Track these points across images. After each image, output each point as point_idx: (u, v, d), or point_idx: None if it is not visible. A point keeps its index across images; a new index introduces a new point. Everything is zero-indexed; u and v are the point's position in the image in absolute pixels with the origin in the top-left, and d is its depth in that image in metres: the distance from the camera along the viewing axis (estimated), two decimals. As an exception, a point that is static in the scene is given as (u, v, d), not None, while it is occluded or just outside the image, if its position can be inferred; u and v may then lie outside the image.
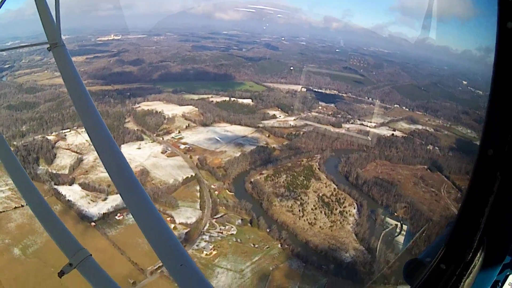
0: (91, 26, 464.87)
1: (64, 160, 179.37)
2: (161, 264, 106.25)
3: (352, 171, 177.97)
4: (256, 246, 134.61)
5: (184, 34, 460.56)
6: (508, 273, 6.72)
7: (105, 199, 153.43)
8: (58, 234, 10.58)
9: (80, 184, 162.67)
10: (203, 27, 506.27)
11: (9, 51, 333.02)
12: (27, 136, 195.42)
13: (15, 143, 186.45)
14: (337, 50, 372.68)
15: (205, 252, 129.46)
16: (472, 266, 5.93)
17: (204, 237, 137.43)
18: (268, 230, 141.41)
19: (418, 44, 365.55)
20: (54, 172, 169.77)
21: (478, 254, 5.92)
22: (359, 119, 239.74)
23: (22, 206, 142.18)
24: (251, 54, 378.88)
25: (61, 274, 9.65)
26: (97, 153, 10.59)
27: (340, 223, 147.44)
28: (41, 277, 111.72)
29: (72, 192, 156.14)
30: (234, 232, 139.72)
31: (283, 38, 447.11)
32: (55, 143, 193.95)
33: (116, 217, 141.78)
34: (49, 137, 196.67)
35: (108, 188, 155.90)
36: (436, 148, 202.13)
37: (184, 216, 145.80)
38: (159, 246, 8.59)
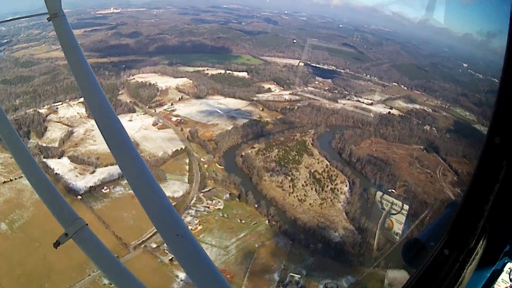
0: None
1: (54, 133, 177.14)
2: (144, 239, 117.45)
3: (345, 148, 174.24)
4: (243, 222, 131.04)
5: (183, 7, 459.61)
6: (506, 261, 6.53)
7: (93, 172, 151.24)
8: (54, 203, 9.56)
9: (69, 157, 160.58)
10: (203, 1, 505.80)
11: (9, 26, 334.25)
12: (20, 110, 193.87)
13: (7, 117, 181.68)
14: (340, 26, 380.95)
15: (190, 227, 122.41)
16: (475, 253, 5.90)
17: (190, 211, 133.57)
18: (256, 206, 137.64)
19: (420, 25, 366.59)
20: (44, 145, 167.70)
21: (481, 242, 5.88)
22: (355, 96, 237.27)
23: (11, 180, 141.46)
24: (250, 28, 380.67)
25: (56, 244, 8.66)
26: (96, 123, 9.79)
27: (331, 200, 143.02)
28: (26, 251, 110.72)
29: (61, 165, 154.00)
30: (221, 207, 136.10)
31: (286, 12, 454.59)
32: (46, 116, 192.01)
33: (103, 190, 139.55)
34: (40, 111, 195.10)
35: (97, 161, 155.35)
36: (434, 128, 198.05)
37: (171, 189, 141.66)
38: (155, 215, 8.05)
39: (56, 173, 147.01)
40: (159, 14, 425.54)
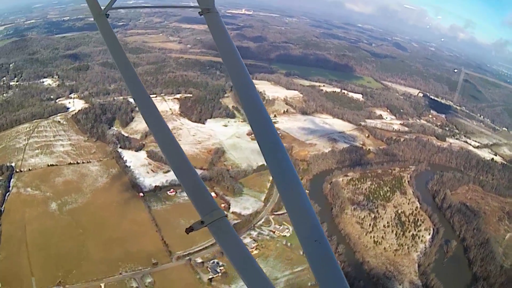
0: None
1: (140, 125, 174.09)
2: (192, 251, 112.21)
3: (440, 192, 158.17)
4: None
5: (317, 20, 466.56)
6: None
7: (168, 171, 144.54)
8: (195, 190, 9.62)
9: (147, 152, 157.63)
10: (339, 17, 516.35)
11: (129, 10, 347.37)
12: (110, 95, 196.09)
13: (92, 99, 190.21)
14: (461, 63, 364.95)
15: None
16: None
17: (252, 232, 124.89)
18: (329, 239, 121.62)
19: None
20: (126, 135, 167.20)
21: None
22: (465, 136, 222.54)
23: (77, 163, 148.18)
24: (378, 50, 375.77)
25: (189, 230, 8.91)
26: (247, 117, 10.12)
27: (408, 248, 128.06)
28: (66, 235, 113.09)
29: (135, 159, 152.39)
30: (287, 235, 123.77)
31: (430, 43, 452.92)
32: (136, 106, 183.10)
33: (168, 192, 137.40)
34: (131, 99, 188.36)
35: None
36: None
37: (242, 205, 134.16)
38: (296, 218, 8.31)
39: (126, 165, 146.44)
40: (290, 23, 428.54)
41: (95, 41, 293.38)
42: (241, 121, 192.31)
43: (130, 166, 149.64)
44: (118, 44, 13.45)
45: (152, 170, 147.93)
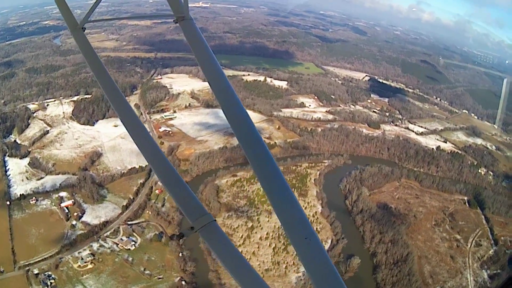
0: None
1: (33, 131, 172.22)
2: (32, 261, 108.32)
3: (355, 192, 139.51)
4: (147, 272, 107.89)
5: (276, 9, 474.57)
6: None
7: (40, 178, 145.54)
8: (183, 197, 10.35)
9: (30, 159, 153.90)
10: (302, 5, 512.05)
11: (84, 10, 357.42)
12: (17, 102, 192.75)
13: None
14: (425, 46, 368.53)
15: (78, 263, 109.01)
16: None
17: (93, 245, 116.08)
18: (180, 254, 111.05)
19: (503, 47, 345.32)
20: (19, 142, 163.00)
21: None
22: (409, 121, 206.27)
23: None
24: (331, 35, 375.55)
25: (180, 236, 9.67)
26: (228, 121, 10.80)
27: (286, 267, 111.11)
28: None
29: (17, 166, 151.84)
30: (132, 248, 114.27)
31: (397, 27, 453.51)
32: (34, 112, 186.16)
33: (30, 201, 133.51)
34: (30, 106, 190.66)
35: (52, 167, 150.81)
36: (490, 173, 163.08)
37: (96, 214, 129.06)
38: (285, 218, 8.69)
39: (6, 173, 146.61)
40: (245, 13, 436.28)
41: (34, 46, 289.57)
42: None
43: (9, 174, 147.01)
44: (96, 57, 13.54)
45: (27, 178, 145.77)
